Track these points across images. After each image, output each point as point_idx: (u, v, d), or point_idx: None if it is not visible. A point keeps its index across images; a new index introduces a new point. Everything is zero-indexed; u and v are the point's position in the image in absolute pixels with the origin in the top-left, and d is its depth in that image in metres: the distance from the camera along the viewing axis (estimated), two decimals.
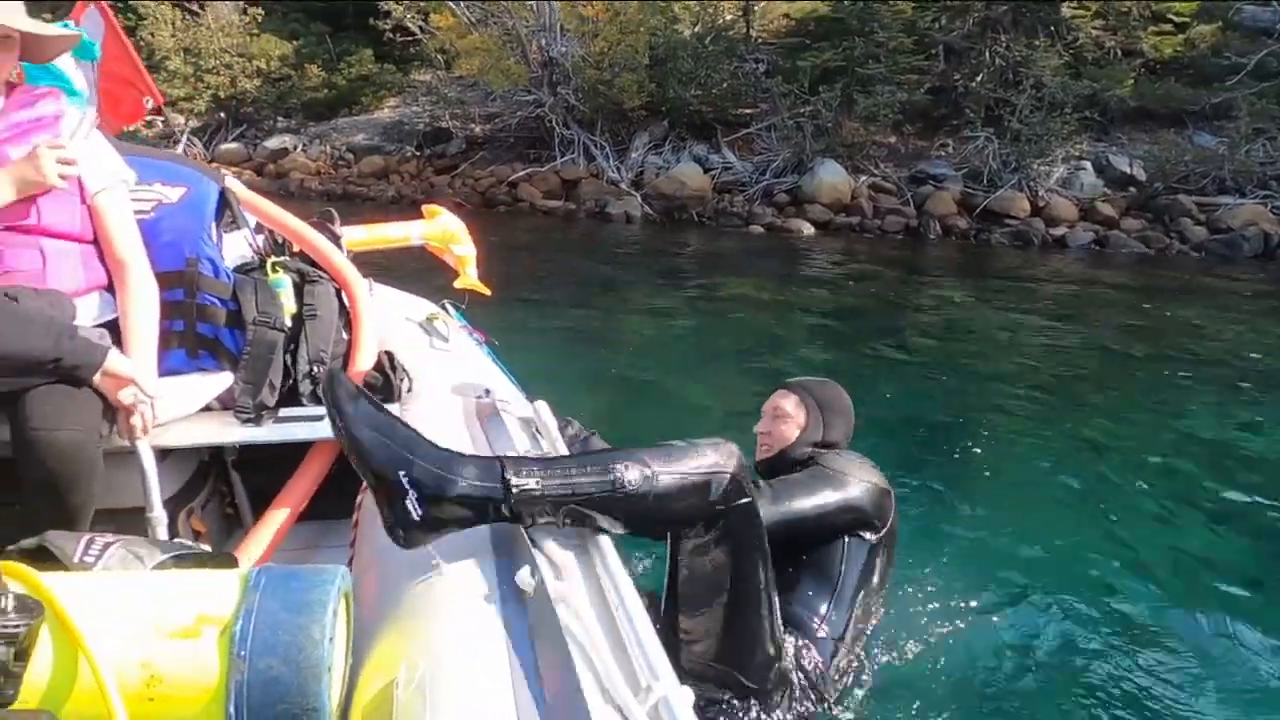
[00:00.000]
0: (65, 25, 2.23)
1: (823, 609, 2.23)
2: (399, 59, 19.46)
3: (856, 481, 2.31)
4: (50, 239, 1.90)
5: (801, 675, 2.08)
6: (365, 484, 1.98)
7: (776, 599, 1.82)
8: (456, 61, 17.64)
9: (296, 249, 2.52)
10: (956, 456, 4.57)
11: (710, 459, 1.64)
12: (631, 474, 1.54)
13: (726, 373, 6.19)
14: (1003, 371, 6.44)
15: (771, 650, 1.83)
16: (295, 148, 18.72)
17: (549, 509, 1.48)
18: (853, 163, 15.01)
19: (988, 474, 4.36)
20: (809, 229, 14.02)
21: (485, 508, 1.45)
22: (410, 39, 18.45)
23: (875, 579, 2.33)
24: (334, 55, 19.63)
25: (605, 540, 1.54)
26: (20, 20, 1.90)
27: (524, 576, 1.36)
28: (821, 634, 2.21)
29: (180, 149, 18.35)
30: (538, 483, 1.47)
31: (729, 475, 1.64)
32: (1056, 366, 6.66)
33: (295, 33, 20.37)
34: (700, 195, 15.22)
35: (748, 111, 16.31)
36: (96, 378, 1.71)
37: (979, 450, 4.65)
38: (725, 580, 1.72)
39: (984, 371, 6.44)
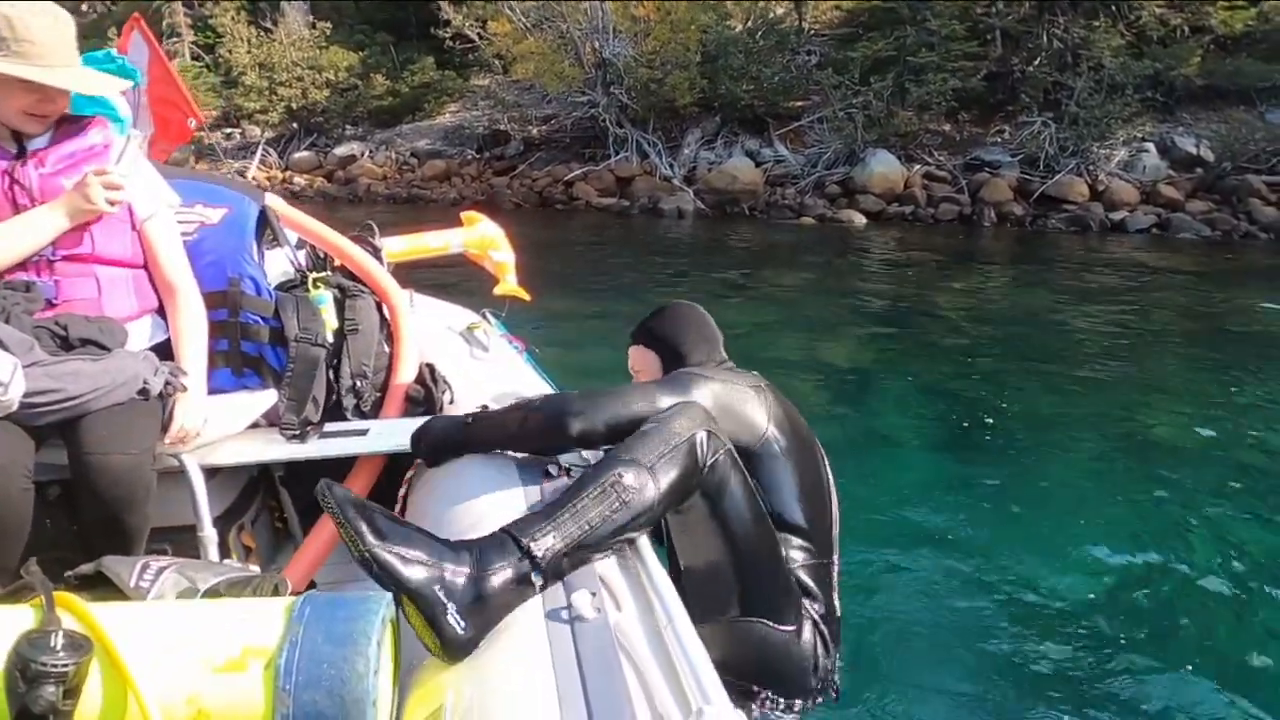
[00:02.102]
0: (109, 57, 2.28)
1: None
2: (459, 65, 19.90)
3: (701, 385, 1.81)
4: (104, 266, 1.94)
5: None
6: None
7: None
8: (513, 66, 17.92)
9: (338, 263, 2.54)
10: (1005, 446, 4.52)
11: (684, 426, 1.59)
12: (629, 478, 1.49)
13: (779, 366, 6.15)
14: (1056, 360, 6.30)
15: (790, 580, 1.77)
16: (362, 154, 19.32)
17: (575, 558, 1.42)
18: (906, 152, 14.81)
19: (1034, 462, 4.29)
20: (861, 219, 13.90)
21: (522, 589, 1.36)
22: (469, 46, 18.81)
23: (792, 486, 1.86)
24: (397, 64, 20.19)
25: (650, 556, 1.51)
26: (92, 88, 1.93)
27: (583, 600, 1.33)
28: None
29: (256, 159, 19.00)
30: (554, 537, 1.39)
31: (705, 434, 1.61)
32: (1113, 354, 6.49)
33: (361, 44, 21.09)
34: (752, 189, 15.16)
35: (799, 104, 16.20)
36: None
37: (1028, 439, 4.59)
38: (725, 539, 1.66)
39: (1036, 359, 6.31)
